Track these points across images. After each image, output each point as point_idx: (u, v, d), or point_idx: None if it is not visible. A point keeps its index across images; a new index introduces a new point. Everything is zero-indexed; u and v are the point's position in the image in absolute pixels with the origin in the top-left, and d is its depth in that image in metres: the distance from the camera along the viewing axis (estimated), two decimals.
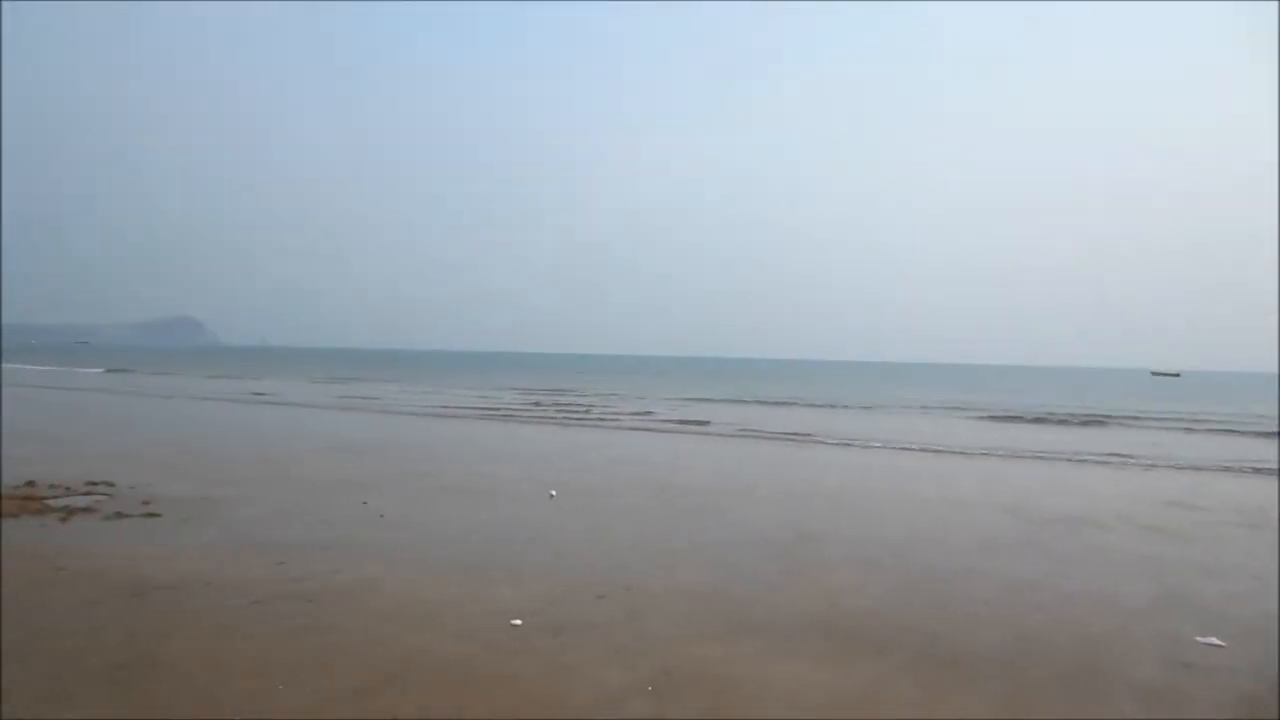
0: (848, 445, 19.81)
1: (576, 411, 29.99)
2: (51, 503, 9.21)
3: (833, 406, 36.65)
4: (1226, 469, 16.42)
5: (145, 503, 9.36)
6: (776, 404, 37.84)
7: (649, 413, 29.90)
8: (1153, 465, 16.74)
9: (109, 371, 58.11)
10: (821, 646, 5.45)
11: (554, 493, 10.99)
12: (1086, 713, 4.54)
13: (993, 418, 31.01)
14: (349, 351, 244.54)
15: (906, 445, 19.93)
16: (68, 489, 10.04)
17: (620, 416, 27.87)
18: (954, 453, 18.61)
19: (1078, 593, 6.98)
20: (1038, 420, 30.41)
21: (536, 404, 33.83)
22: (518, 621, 5.64)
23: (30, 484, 10.20)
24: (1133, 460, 17.51)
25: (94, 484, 10.40)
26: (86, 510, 8.90)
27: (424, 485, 11.40)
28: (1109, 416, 32.36)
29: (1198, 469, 16.30)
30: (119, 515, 8.71)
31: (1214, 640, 5.76)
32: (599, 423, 25.32)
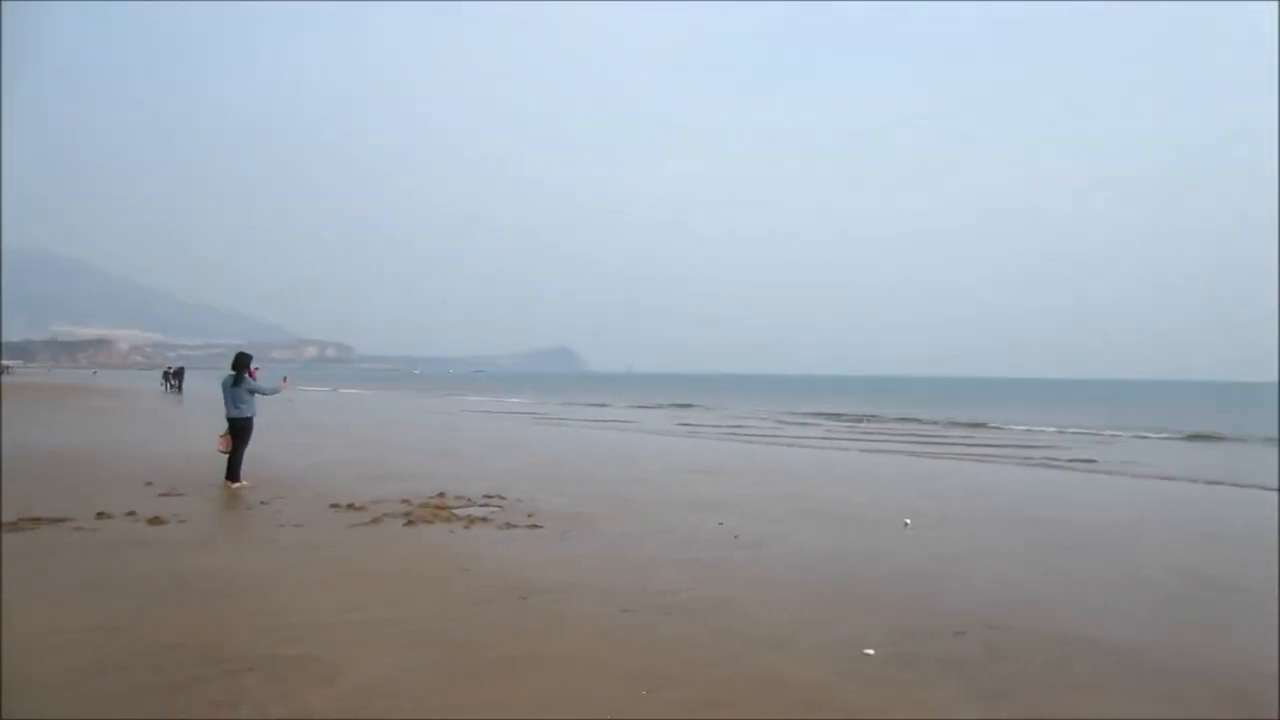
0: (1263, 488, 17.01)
1: (920, 438, 28.76)
2: (457, 512, 10.63)
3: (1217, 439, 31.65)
4: None
5: (529, 515, 10.48)
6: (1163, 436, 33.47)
7: (995, 442, 27.86)
8: None
9: (501, 398, 65.67)
10: (1226, 715, 4.72)
11: (908, 521, 10.62)
12: None
13: None
14: (702, 377, 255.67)
15: None
16: (469, 500, 11.52)
17: (965, 443, 26.29)
18: None
19: None
20: None
21: (872, 428, 32.96)
22: (870, 651, 5.53)
23: (441, 495, 11.85)
24: None
25: (489, 497, 11.84)
26: (484, 520, 10.17)
27: (774, 508, 11.58)
28: None
29: None
30: (509, 525, 9.84)
31: None
32: (945, 451, 24.08)
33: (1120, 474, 18.79)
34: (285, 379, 14.62)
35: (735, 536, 9.49)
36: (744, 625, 6.09)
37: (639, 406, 53.81)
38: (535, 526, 9.81)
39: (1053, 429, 35.67)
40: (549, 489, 12.88)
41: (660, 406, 54.47)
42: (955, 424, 38.10)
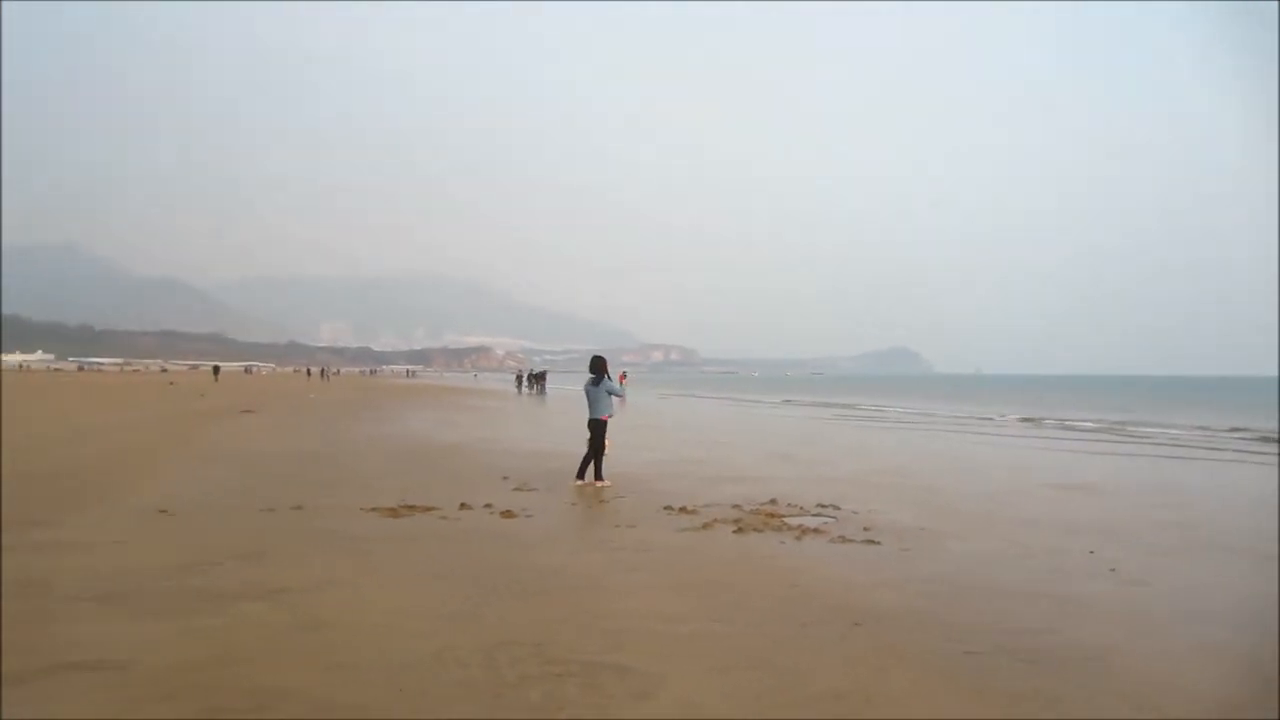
0: None
1: None
2: (789, 521, 10.20)
3: None
4: None
5: (866, 529, 9.77)
6: None
7: None
8: None
9: (836, 400, 64.34)
10: None
11: None
12: None
13: None
14: (1056, 378, 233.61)
15: None
16: (802, 508, 11.06)
17: None
18: None
19: None
20: None
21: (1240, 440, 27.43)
22: None
23: (773, 501, 11.50)
24: None
25: (823, 506, 11.29)
26: (816, 531, 9.63)
27: (1160, 536, 9.80)
28: None
29: None
30: (843, 539, 9.22)
31: None
32: None
33: None
34: (623, 374, 15.13)
35: (1112, 569, 8.07)
36: (1131, 686, 4.97)
37: (982, 416, 49.87)
38: (872, 542, 9.10)
39: None
40: (887, 500, 12.03)
41: (1013, 418, 50.10)
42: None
